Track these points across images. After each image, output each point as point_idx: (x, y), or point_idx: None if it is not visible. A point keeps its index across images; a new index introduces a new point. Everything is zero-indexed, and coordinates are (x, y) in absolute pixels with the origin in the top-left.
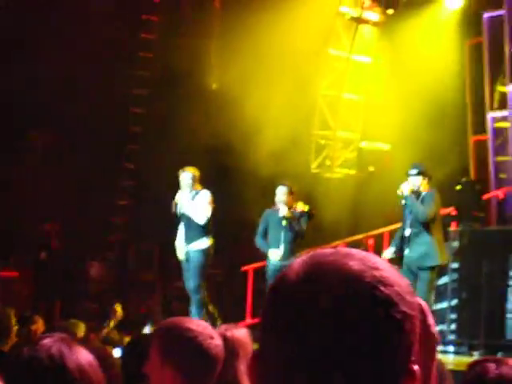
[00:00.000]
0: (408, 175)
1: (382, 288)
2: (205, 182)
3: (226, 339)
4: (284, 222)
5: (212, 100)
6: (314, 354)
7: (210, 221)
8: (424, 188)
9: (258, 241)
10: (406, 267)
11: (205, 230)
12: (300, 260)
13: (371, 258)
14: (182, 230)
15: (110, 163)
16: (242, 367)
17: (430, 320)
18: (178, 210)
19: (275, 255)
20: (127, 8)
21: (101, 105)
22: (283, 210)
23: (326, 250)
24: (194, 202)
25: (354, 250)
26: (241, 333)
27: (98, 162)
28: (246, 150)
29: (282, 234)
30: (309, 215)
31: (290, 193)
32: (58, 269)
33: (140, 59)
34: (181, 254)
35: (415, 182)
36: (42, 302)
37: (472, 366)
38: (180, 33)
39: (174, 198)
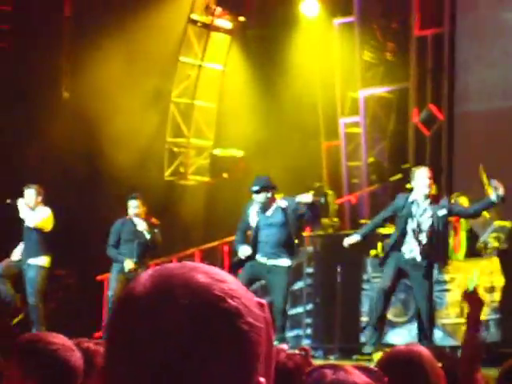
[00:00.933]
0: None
1: (229, 300)
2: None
3: (84, 351)
4: (147, 235)
5: (65, 110)
6: (158, 367)
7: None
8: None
9: (111, 251)
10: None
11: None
12: (147, 273)
13: (218, 271)
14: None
15: None
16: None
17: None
18: None
19: (129, 266)
20: None
21: None
22: (142, 225)
23: (174, 264)
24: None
25: (200, 264)
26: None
27: None
28: (102, 160)
29: (135, 245)
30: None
31: (142, 205)
32: None
33: None
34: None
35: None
36: None
37: (309, 372)
38: (29, 43)
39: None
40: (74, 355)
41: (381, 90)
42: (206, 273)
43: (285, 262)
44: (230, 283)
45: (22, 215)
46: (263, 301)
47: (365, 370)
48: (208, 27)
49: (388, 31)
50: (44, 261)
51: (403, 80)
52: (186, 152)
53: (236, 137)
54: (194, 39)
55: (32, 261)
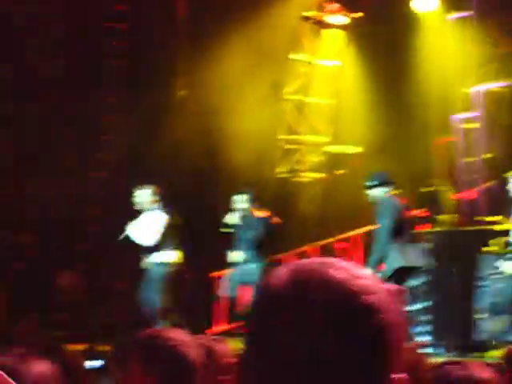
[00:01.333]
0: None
1: (365, 296)
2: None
3: (207, 349)
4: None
5: (181, 109)
6: (297, 361)
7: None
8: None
9: None
10: None
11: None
12: (285, 268)
13: (354, 267)
14: None
15: (82, 173)
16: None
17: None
18: None
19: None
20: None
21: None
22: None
23: (311, 259)
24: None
25: (337, 260)
26: (221, 343)
27: (71, 172)
28: (219, 158)
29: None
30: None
31: (252, 199)
32: (33, 280)
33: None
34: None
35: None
36: (18, 313)
37: (434, 368)
38: (145, 42)
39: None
40: (193, 351)
41: (495, 86)
42: (342, 268)
43: None
44: (367, 279)
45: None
46: (403, 287)
47: (488, 366)
48: (321, 24)
49: (504, 26)
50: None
51: None
52: (299, 149)
53: (352, 133)
54: (306, 36)
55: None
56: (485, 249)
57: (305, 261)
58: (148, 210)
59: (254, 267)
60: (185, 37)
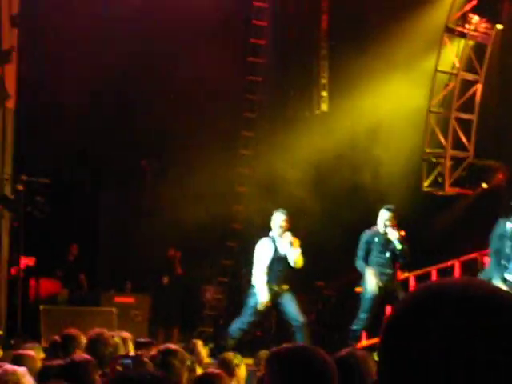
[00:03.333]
0: None
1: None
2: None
3: (342, 363)
4: (399, 246)
5: (320, 124)
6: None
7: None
8: None
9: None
10: None
11: None
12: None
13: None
14: None
15: (222, 188)
16: None
17: None
18: None
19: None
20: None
21: (212, 130)
22: (395, 235)
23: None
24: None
25: (472, 278)
26: (361, 354)
27: (213, 185)
28: (360, 173)
29: (389, 256)
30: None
31: (395, 218)
32: (178, 294)
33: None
34: None
35: None
36: (159, 327)
37: None
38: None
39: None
40: (327, 366)
41: None
42: (478, 286)
43: None
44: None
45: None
46: None
47: None
48: (465, 36)
49: None
50: None
51: None
52: (443, 163)
53: (495, 147)
54: (450, 49)
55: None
56: None
57: (444, 280)
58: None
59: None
60: (325, 51)
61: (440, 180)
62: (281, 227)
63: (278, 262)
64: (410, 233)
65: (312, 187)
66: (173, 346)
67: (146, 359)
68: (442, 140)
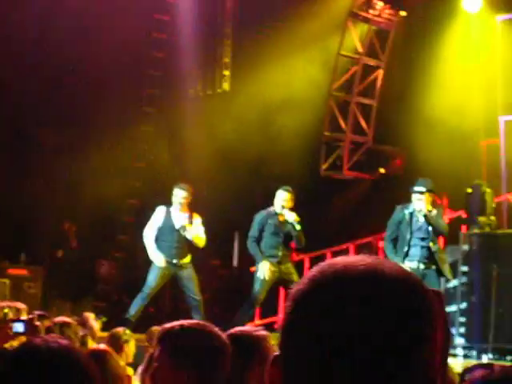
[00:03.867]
0: (414, 192)
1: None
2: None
3: (240, 340)
4: (298, 227)
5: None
6: (375, 340)
7: None
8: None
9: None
10: None
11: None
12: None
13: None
14: None
15: (121, 164)
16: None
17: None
18: None
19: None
20: None
21: (114, 105)
22: (292, 216)
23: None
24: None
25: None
26: (260, 334)
27: (110, 160)
28: (267, 154)
29: (283, 238)
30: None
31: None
32: (72, 268)
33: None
34: None
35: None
36: (53, 300)
37: (468, 370)
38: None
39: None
40: (220, 341)
41: None
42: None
43: None
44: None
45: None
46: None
47: None
48: (369, 21)
49: None
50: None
51: None
52: (343, 146)
53: (394, 133)
54: (354, 33)
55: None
56: None
57: (351, 257)
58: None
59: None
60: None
61: (338, 163)
62: (283, 205)
63: (172, 234)
64: (308, 215)
65: (212, 166)
66: (67, 319)
67: (37, 323)
68: (342, 124)
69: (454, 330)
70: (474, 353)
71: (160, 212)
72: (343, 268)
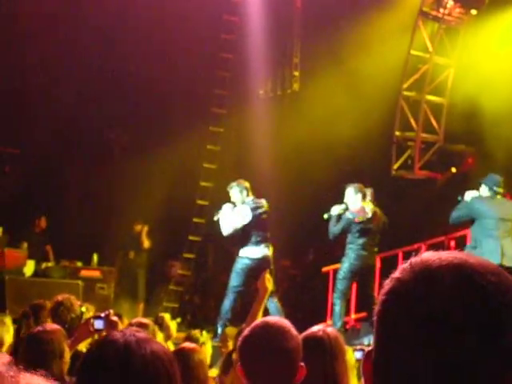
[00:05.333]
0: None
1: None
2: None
3: (320, 338)
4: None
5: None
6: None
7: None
8: None
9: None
10: None
11: None
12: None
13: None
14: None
15: (191, 164)
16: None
17: None
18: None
19: None
20: None
21: (183, 106)
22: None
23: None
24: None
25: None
26: (332, 332)
27: (181, 163)
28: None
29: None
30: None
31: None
32: (144, 269)
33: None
34: None
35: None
36: (124, 301)
37: None
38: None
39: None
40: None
41: None
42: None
43: None
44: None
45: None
46: None
47: None
48: (439, 20)
49: None
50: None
51: None
52: (414, 146)
53: (466, 132)
54: (424, 32)
55: None
56: None
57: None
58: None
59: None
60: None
61: (409, 163)
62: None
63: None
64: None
65: (282, 166)
66: (144, 320)
67: (115, 318)
68: (413, 123)
69: None
70: None
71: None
72: (434, 261)
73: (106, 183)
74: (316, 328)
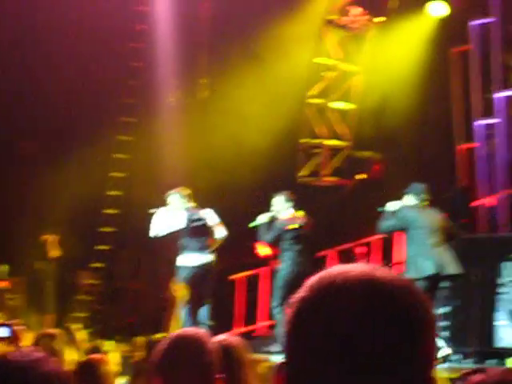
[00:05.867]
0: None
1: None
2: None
3: (224, 348)
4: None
5: (199, 108)
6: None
7: None
8: None
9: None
10: None
11: None
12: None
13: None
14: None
15: (100, 174)
16: (243, 375)
17: None
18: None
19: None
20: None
21: (92, 116)
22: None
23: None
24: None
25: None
26: (237, 341)
27: (89, 173)
28: (239, 160)
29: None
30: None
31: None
32: (52, 278)
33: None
34: None
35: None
36: (34, 312)
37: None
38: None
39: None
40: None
41: None
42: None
43: None
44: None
45: None
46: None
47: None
48: (344, 28)
49: None
50: None
51: None
52: (320, 153)
53: (373, 139)
54: (330, 40)
55: None
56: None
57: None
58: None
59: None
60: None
61: (317, 170)
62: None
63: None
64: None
65: (191, 174)
66: (51, 330)
67: (20, 327)
68: (320, 130)
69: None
70: (457, 357)
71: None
72: (340, 275)
73: (16, 192)
74: (221, 337)
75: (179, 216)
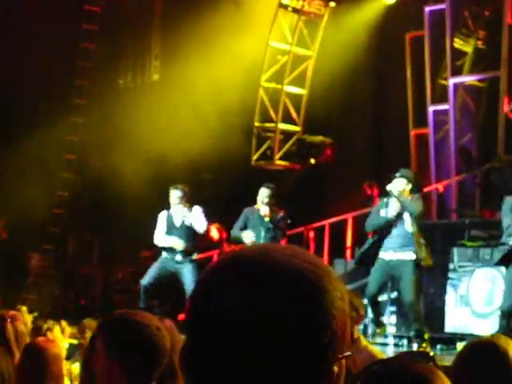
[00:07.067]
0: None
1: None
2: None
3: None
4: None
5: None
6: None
7: None
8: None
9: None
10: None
11: None
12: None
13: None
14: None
15: (52, 156)
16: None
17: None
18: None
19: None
20: None
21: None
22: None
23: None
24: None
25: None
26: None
27: (42, 154)
28: (190, 143)
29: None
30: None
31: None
32: (2, 260)
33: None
34: None
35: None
36: None
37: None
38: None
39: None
40: (160, 334)
41: (471, 79)
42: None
43: None
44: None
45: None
46: None
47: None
48: (298, 12)
49: (480, 19)
50: None
51: (494, 69)
52: (273, 137)
53: (325, 123)
54: (284, 24)
55: None
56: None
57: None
58: None
59: None
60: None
61: (269, 154)
62: (262, 201)
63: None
64: (239, 207)
65: (142, 157)
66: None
67: None
68: (273, 114)
69: (385, 319)
70: (405, 342)
71: (162, 216)
72: (238, 254)
73: None
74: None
75: (200, 212)
